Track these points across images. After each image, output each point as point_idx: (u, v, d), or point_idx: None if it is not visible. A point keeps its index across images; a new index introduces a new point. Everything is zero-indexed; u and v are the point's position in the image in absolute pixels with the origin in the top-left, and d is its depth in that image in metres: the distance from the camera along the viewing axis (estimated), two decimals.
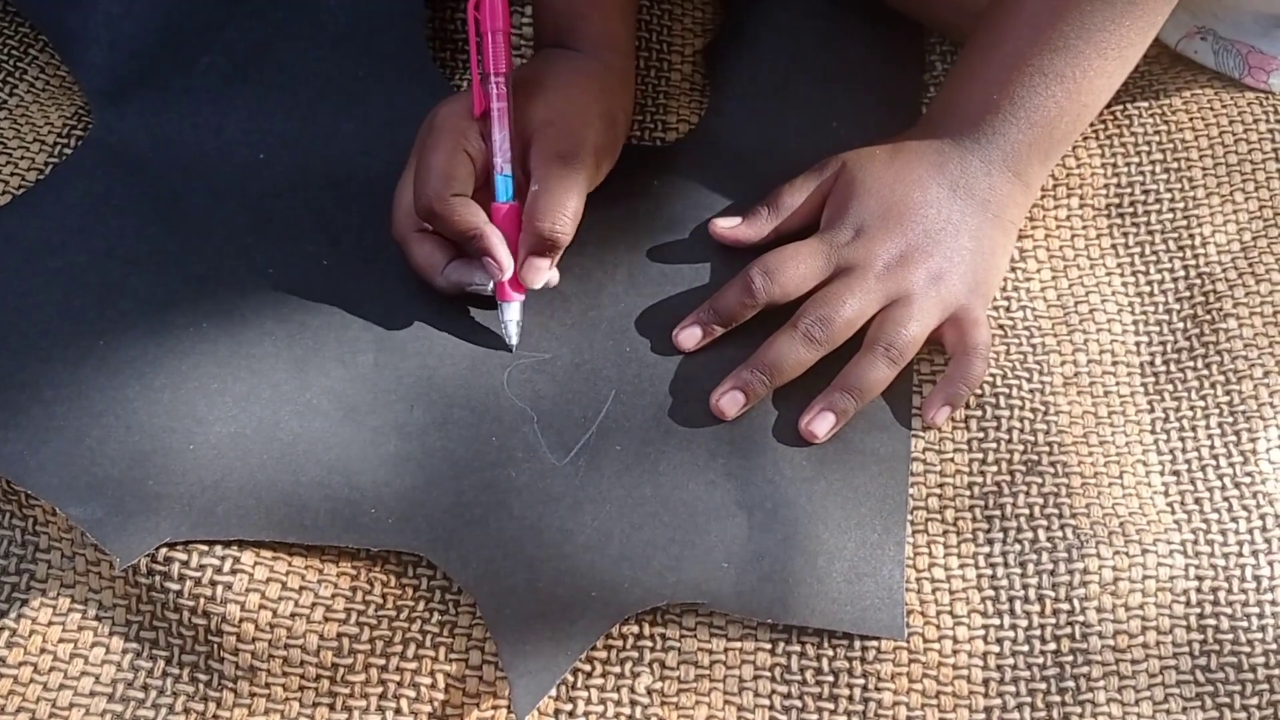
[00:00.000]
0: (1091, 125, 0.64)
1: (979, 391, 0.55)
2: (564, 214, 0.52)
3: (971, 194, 0.56)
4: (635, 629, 0.50)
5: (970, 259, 0.55)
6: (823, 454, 0.53)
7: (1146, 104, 0.64)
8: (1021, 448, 0.54)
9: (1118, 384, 0.56)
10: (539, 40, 0.60)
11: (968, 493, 0.53)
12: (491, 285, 0.53)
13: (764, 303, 0.54)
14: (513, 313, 0.54)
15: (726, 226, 0.58)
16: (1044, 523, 0.52)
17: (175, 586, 0.49)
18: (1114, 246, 0.60)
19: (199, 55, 0.62)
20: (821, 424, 0.53)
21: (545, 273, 0.53)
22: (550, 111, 0.54)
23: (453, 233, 0.52)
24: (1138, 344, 0.57)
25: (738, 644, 0.50)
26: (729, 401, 0.53)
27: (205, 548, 0.49)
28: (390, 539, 0.50)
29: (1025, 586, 0.51)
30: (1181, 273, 0.59)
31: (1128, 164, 0.62)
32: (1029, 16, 0.55)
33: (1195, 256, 0.59)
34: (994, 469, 0.53)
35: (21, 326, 0.53)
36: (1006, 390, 0.55)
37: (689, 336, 0.55)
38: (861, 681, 0.49)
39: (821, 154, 0.59)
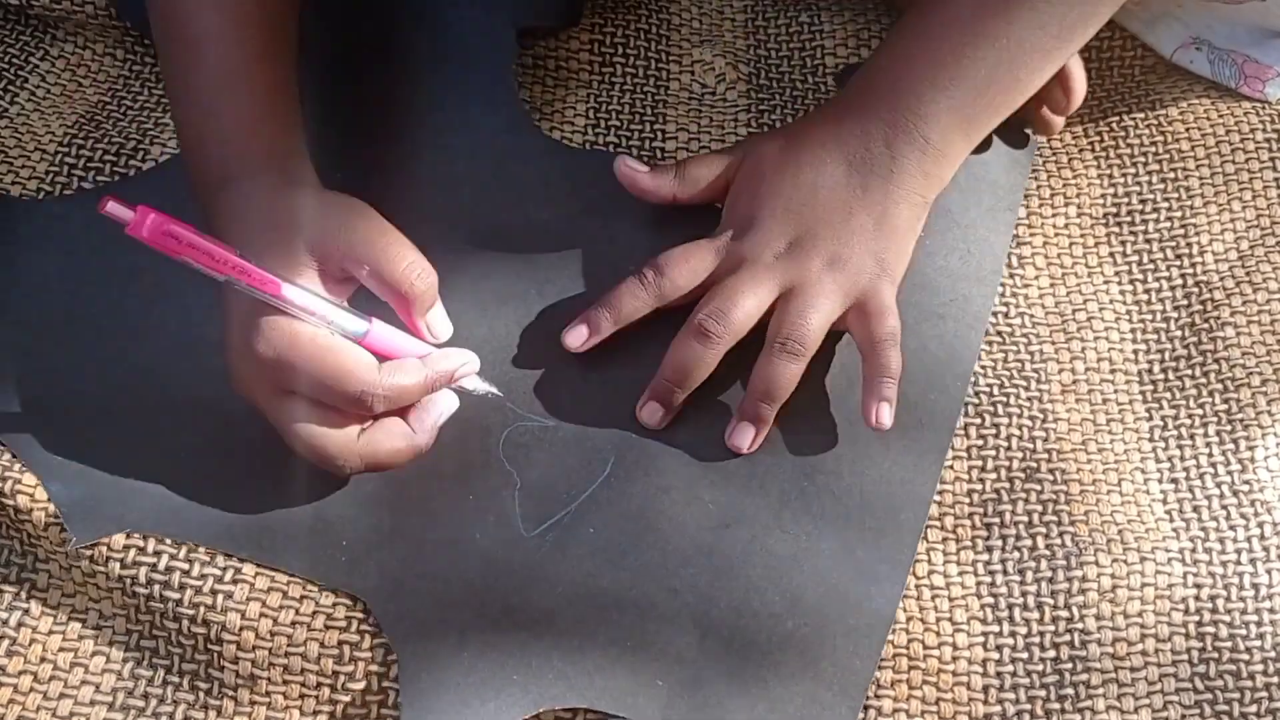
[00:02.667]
0: (1088, 135, 0.64)
1: (976, 400, 0.55)
2: (417, 259, 0.48)
3: (871, 169, 0.53)
4: None
5: (871, 240, 0.53)
6: (799, 593, 0.50)
7: (1143, 114, 0.64)
8: (1020, 455, 0.54)
9: (1115, 392, 0.56)
10: (203, 180, 0.51)
11: (967, 500, 0.53)
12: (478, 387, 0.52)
13: (654, 296, 0.53)
14: (474, 383, 0.52)
15: (631, 167, 0.56)
16: (1043, 530, 0.52)
17: (175, 595, 0.49)
18: (1111, 255, 0.60)
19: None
20: (743, 436, 0.52)
21: (443, 319, 0.51)
22: (292, 218, 0.48)
23: (414, 399, 0.49)
24: (1135, 352, 0.57)
25: None
26: (649, 413, 0.52)
27: (207, 557, 0.49)
28: (338, 577, 0.49)
29: (1024, 594, 0.51)
30: (1179, 281, 0.59)
31: (1124, 173, 0.63)
32: None
33: (1192, 265, 0.60)
34: (993, 476, 0.54)
35: (74, 313, 0.55)
36: (1005, 398, 0.55)
37: (576, 335, 0.53)
38: None
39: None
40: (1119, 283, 0.60)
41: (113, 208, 0.43)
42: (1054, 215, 0.62)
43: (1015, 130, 0.63)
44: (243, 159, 0.50)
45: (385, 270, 0.47)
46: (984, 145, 0.62)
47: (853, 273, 0.52)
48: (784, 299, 0.52)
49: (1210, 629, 0.49)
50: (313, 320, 0.47)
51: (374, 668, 0.48)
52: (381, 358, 0.48)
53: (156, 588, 0.49)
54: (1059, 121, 0.62)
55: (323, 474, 0.50)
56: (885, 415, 0.52)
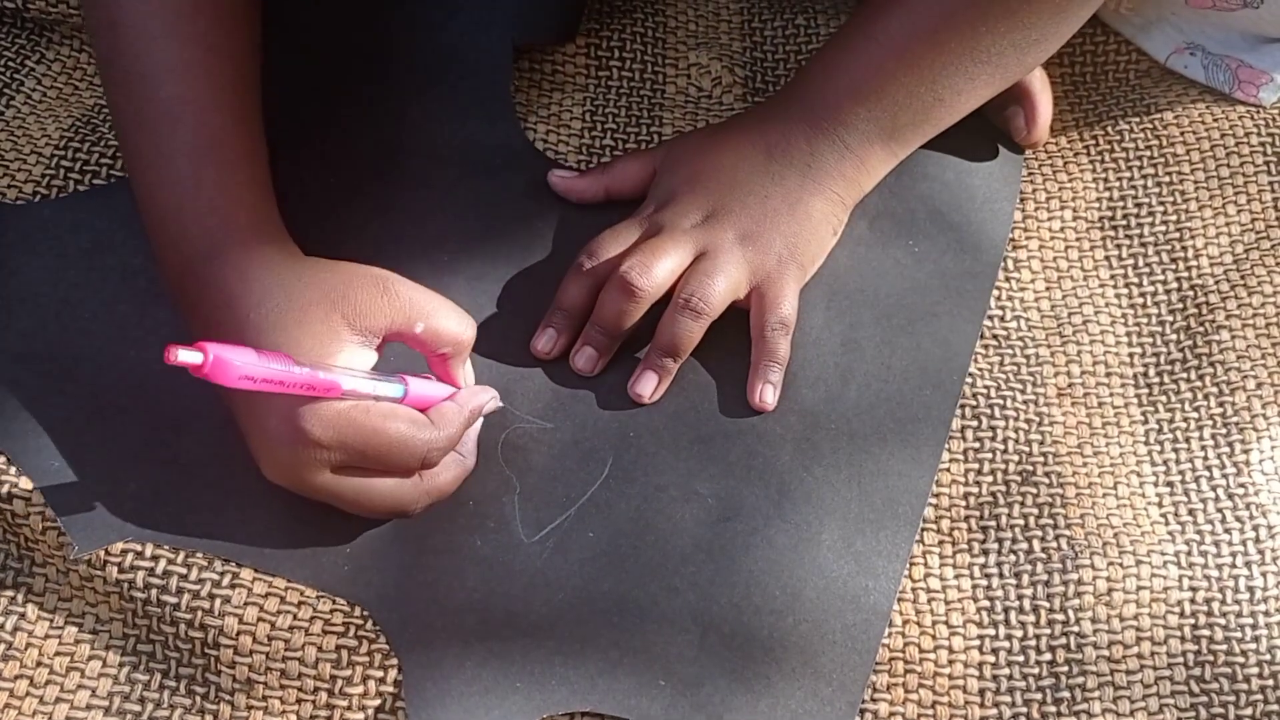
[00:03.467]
0: (1083, 139, 0.64)
1: (973, 402, 0.55)
2: (459, 314, 0.49)
3: (790, 159, 0.55)
4: None
5: (784, 224, 0.55)
6: (799, 588, 0.50)
7: (1138, 118, 0.64)
8: (1016, 458, 0.54)
9: (1111, 395, 0.56)
10: (178, 251, 0.50)
11: (963, 503, 0.53)
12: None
13: (593, 278, 0.54)
14: (491, 405, 0.52)
15: (562, 175, 0.60)
16: (1039, 533, 0.52)
17: (173, 600, 0.48)
18: (1107, 259, 0.61)
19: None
20: (645, 384, 0.54)
21: (469, 365, 0.53)
22: (322, 296, 0.47)
23: (459, 440, 0.50)
24: (1131, 355, 0.58)
25: None
26: (584, 359, 0.54)
27: (204, 562, 0.49)
28: (340, 586, 0.49)
29: (1020, 597, 0.51)
30: (1174, 285, 0.59)
31: (1120, 177, 0.63)
32: (901, 6, 0.54)
33: (1188, 269, 0.60)
34: (989, 479, 0.54)
35: (65, 318, 0.55)
36: (1001, 401, 0.56)
37: (545, 340, 0.55)
38: None
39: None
40: (1114, 286, 0.60)
41: (183, 356, 0.41)
42: (1050, 219, 0.62)
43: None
44: (229, 229, 0.49)
45: (437, 329, 0.48)
46: (975, 143, 0.62)
47: (762, 249, 0.54)
48: (694, 262, 0.54)
49: (1205, 632, 0.50)
50: (360, 399, 0.46)
51: (371, 672, 0.48)
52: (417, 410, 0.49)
53: (154, 592, 0.49)
54: (1037, 138, 0.63)
55: None
56: (769, 396, 0.54)
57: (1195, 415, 0.55)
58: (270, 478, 0.47)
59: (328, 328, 0.46)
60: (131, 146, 0.52)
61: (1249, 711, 0.48)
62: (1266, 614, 0.50)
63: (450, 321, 0.49)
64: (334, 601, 0.49)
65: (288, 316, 0.46)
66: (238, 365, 0.42)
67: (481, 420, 0.52)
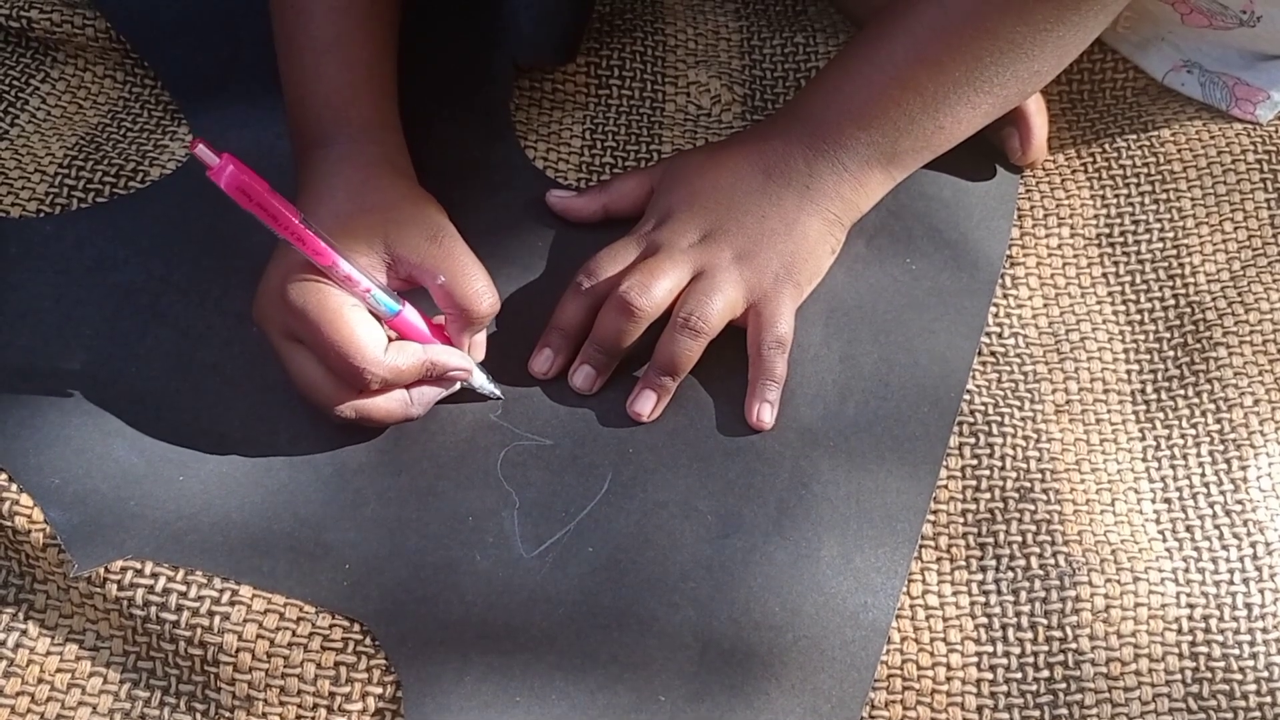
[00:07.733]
0: (1080, 156, 0.65)
1: (970, 419, 0.55)
2: (487, 285, 0.51)
3: (788, 180, 0.56)
4: None
5: (781, 243, 0.55)
6: (799, 604, 0.50)
7: (1135, 135, 0.65)
8: (1014, 475, 0.54)
9: (1109, 412, 0.57)
10: (301, 137, 0.56)
11: (961, 519, 0.53)
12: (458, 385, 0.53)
13: (592, 296, 0.54)
14: (480, 379, 0.54)
15: (560, 196, 0.60)
16: (1036, 550, 0.52)
17: (172, 617, 0.49)
18: (1104, 275, 0.61)
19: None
20: (644, 403, 0.54)
21: (481, 344, 0.54)
22: (385, 209, 0.52)
23: (408, 382, 0.51)
24: (1129, 372, 0.58)
25: None
26: (582, 377, 0.54)
27: (204, 579, 0.49)
28: (339, 601, 0.49)
29: (1018, 614, 0.51)
30: (1171, 301, 0.60)
31: (1117, 195, 0.63)
32: (905, 32, 0.55)
33: (1185, 285, 0.60)
34: (986, 496, 0.54)
35: (67, 335, 0.56)
36: (999, 418, 0.56)
37: (541, 360, 0.55)
38: None
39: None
40: (1112, 303, 0.60)
41: (201, 151, 0.45)
42: (1047, 236, 0.62)
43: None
44: (339, 124, 0.54)
45: (459, 287, 0.51)
46: (973, 162, 0.63)
47: (759, 268, 0.55)
48: (692, 282, 0.54)
49: (1203, 649, 0.50)
50: (353, 291, 0.49)
51: (370, 688, 0.48)
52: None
53: (153, 609, 0.49)
54: (1032, 158, 0.63)
55: (323, 495, 0.51)
56: (766, 415, 0.54)
57: (1193, 431, 0.56)
58: (254, 316, 0.51)
59: (369, 243, 0.50)
60: (276, 40, 0.57)
61: None
62: (1264, 630, 0.50)
63: (469, 288, 0.51)
64: (333, 617, 0.49)
65: (348, 215, 0.51)
66: (241, 179, 0.46)
67: (452, 388, 0.53)
